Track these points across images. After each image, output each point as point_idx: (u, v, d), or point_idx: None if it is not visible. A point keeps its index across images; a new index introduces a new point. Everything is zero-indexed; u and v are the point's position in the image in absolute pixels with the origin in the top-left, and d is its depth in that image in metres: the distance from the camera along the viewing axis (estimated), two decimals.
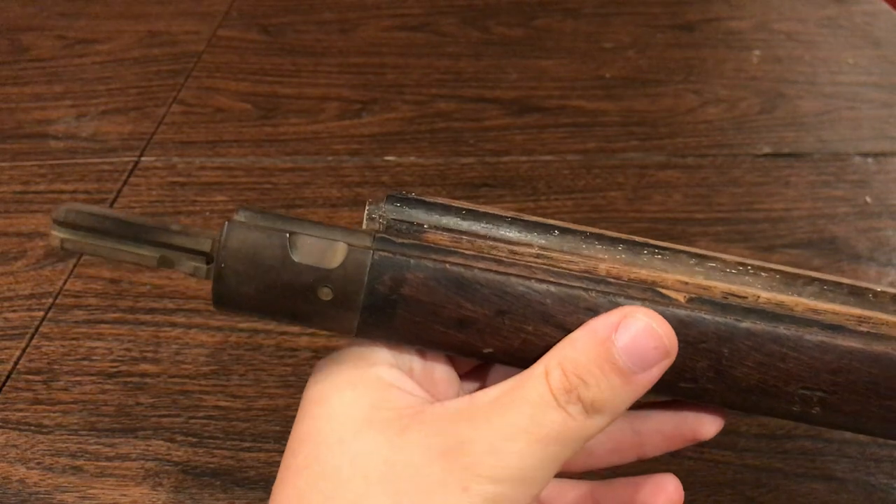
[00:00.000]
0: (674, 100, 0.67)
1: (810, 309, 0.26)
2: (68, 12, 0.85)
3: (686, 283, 0.26)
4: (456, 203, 0.27)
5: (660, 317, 0.23)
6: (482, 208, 0.27)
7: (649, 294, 0.25)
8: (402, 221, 0.26)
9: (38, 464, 0.41)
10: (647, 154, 0.61)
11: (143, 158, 0.63)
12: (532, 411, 0.23)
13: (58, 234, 0.25)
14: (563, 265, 0.26)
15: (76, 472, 0.40)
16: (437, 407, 0.24)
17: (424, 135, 0.64)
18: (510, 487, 0.23)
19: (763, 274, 0.27)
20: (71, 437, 0.42)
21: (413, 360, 0.26)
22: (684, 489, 0.39)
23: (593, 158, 0.60)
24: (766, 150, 0.61)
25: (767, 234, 0.53)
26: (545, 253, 0.26)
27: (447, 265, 0.25)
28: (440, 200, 0.27)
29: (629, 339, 0.23)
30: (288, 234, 0.24)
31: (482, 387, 0.28)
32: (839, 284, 0.27)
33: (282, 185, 0.59)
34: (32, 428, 0.42)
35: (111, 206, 0.58)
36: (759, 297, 0.26)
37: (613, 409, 0.23)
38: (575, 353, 0.23)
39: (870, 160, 0.59)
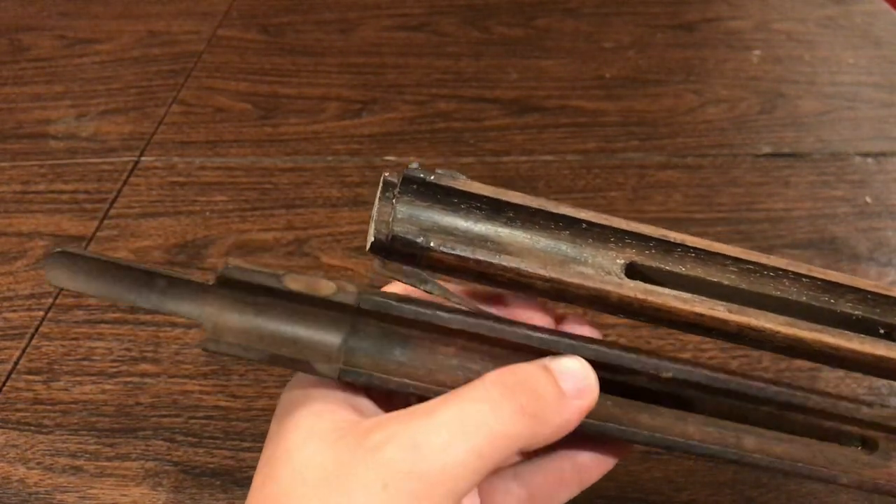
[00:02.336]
0: (674, 100, 0.67)
1: (830, 346, 0.26)
2: (68, 12, 0.85)
3: (701, 315, 0.26)
4: (476, 189, 0.26)
5: (587, 364, 0.25)
6: (505, 196, 0.26)
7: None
8: (406, 236, 0.25)
9: (38, 464, 0.41)
10: (647, 154, 0.61)
11: (143, 158, 0.63)
12: (463, 408, 0.23)
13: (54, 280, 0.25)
14: (575, 290, 0.26)
15: (76, 472, 0.40)
16: (377, 416, 0.24)
17: (424, 135, 0.64)
18: (431, 484, 0.22)
19: (804, 279, 0.26)
20: (71, 437, 0.42)
21: None
22: (684, 489, 0.39)
23: (593, 158, 0.60)
24: (766, 150, 0.61)
25: (767, 234, 0.53)
26: (556, 276, 0.25)
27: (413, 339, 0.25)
28: (459, 186, 0.26)
29: (564, 366, 0.25)
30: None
31: None
32: (883, 296, 0.27)
33: (282, 185, 0.59)
34: (32, 428, 0.42)
35: (111, 205, 0.58)
36: (777, 332, 0.26)
37: (545, 421, 0.24)
38: (516, 368, 0.24)
39: (870, 160, 0.59)
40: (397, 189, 0.25)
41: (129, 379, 0.45)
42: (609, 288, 0.25)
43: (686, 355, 0.44)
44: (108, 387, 0.44)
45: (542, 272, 0.25)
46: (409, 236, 0.25)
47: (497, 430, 0.23)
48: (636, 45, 0.75)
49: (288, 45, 0.77)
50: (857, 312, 0.26)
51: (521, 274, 0.25)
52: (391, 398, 0.27)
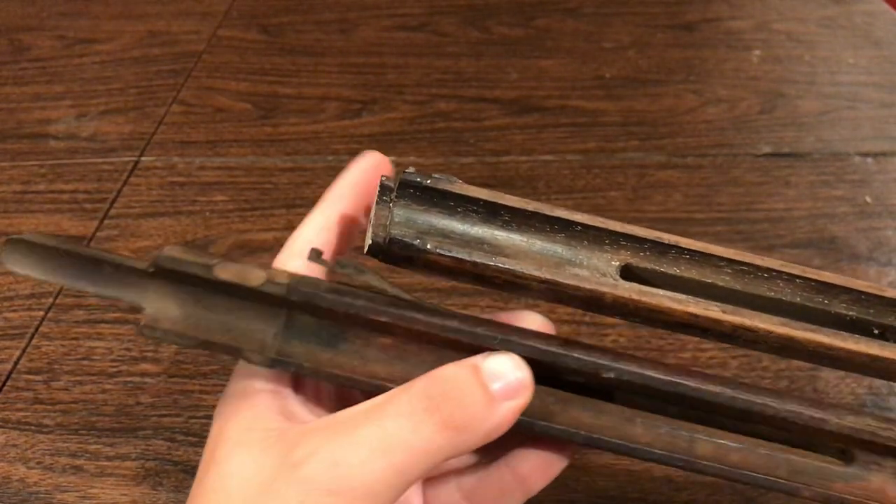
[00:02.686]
0: (674, 100, 0.67)
1: (824, 346, 0.25)
2: (68, 12, 0.85)
3: (696, 316, 0.25)
4: (472, 192, 0.26)
5: (522, 360, 0.24)
6: (501, 199, 0.26)
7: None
8: (404, 239, 0.25)
9: (38, 464, 0.41)
10: (647, 154, 0.61)
11: (143, 158, 0.63)
12: (383, 424, 0.23)
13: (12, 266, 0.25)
14: (570, 291, 0.25)
15: (76, 472, 0.40)
16: (302, 426, 0.24)
17: (424, 135, 0.64)
18: (349, 500, 0.22)
19: (798, 280, 0.26)
20: (71, 436, 0.42)
21: (302, 381, 0.27)
22: (684, 489, 0.39)
23: (593, 158, 0.60)
24: (766, 150, 0.61)
25: (767, 233, 0.53)
26: (551, 277, 0.25)
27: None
28: (455, 190, 0.26)
29: (496, 366, 0.24)
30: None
31: None
32: (877, 297, 0.26)
33: (282, 185, 0.59)
34: (32, 428, 0.42)
35: (111, 205, 0.58)
36: (771, 332, 0.25)
37: (471, 430, 0.23)
38: (444, 372, 0.24)
39: (870, 160, 0.59)
40: (394, 193, 0.26)
41: (129, 379, 0.45)
42: (604, 289, 0.25)
43: (686, 355, 0.44)
44: (108, 387, 0.44)
45: (537, 274, 0.25)
46: (407, 239, 0.25)
47: (417, 446, 0.23)
48: (636, 45, 0.75)
49: (288, 45, 0.77)
50: (851, 313, 0.26)
51: (517, 276, 0.25)
52: (320, 394, 0.27)
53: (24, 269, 0.25)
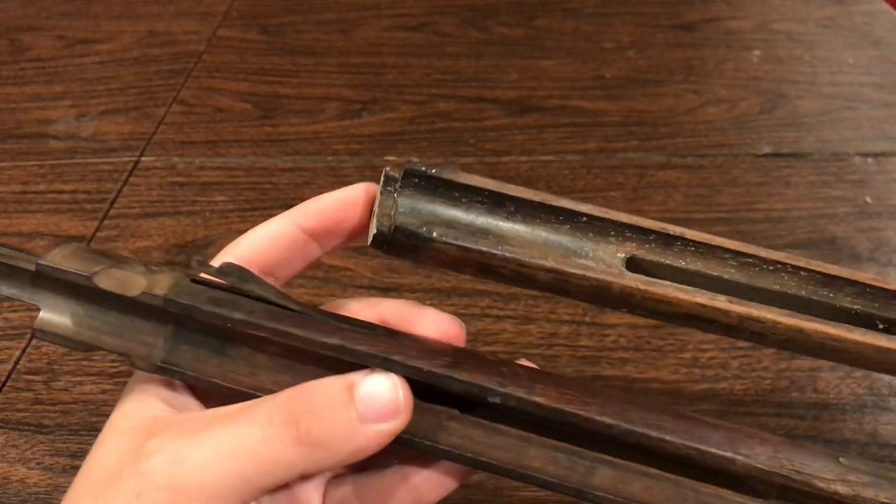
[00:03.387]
0: (674, 100, 0.67)
1: (831, 337, 0.25)
2: (68, 12, 0.85)
3: (703, 306, 0.25)
4: (477, 182, 0.26)
5: (405, 382, 0.24)
6: (506, 189, 0.26)
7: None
8: (409, 228, 0.25)
9: (38, 464, 0.41)
10: (647, 154, 0.61)
11: (143, 158, 0.63)
12: (236, 428, 0.22)
13: None
14: (576, 281, 0.25)
15: (76, 473, 0.40)
16: (173, 417, 0.24)
17: (424, 135, 0.64)
18: (187, 498, 0.22)
19: (803, 273, 0.26)
20: (71, 437, 0.42)
21: None
22: None
23: (593, 158, 0.60)
24: (766, 150, 0.61)
25: (767, 234, 0.53)
26: (558, 267, 0.25)
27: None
28: (460, 180, 0.25)
29: (371, 386, 0.23)
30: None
31: None
32: (882, 289, 0.26)
33: (282, 185, 0.59)
34: (32, 428, 0.42)
35: (111, 205, 0.58)
36: (778, 323, 0.25)
37: (331, 448, 0.23)
38: (316, 385, 0.23)
39: (870, 160, 0.59)
40: (398, 183, 0.25)
41: (128, 379, 0.45)
42: (611, 279, 0.25)
43: (686, 356, 0.44)
44: (108, 387, 0.44)
45: (544, 263, 0.25)
46: (412, 228, 0.25)
47: (266, 456, 0.22)
48: (636, 45, 0.75)
49: (288, 45, 0.77)
50: (855, 306, 0.26)
51: (523, 265, 0.25)
52: (211, 395, 0.27)
53: None
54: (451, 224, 0.25)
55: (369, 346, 0.24)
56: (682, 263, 0.26)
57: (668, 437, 0.24)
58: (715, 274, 0.26)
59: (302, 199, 0.62)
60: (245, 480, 0.22)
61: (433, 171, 0.25)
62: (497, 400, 0.24)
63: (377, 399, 0.23)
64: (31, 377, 0.45)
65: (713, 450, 0.24)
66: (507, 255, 0.25)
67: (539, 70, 0.72)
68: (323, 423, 0.22)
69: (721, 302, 0.25)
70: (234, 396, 0.25)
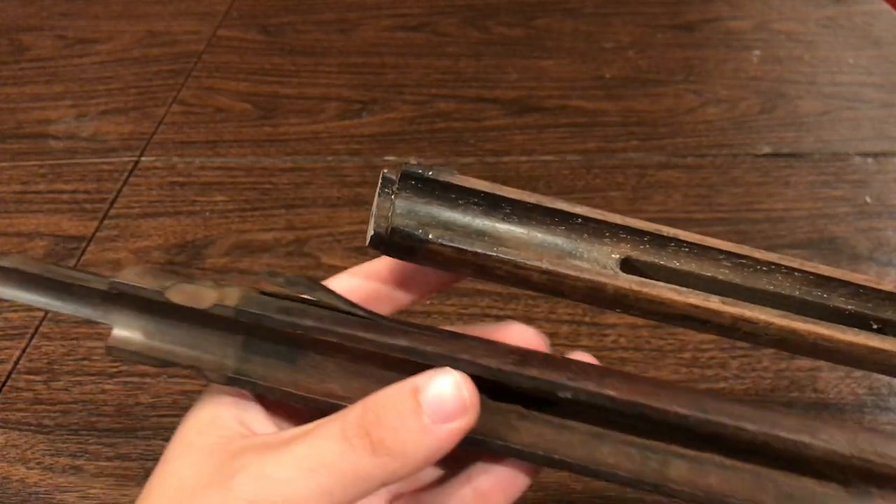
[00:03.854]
0: (674, 100, 0.67)
1: (824, 338, 0.25)
2: (68, 12, 0.85)
3: (696, 307, 0.25)
4: (473, 184, 0.26)
5: (468, 379, 0.24)
6: (501, 191, 0.26)
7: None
8: (406, 230, 0.25)
9: (38, 464, 0.41)
10: (647, 154, 0.61)
11: (143, 158, 0.63)
12: (315, 444, 0.23)
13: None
14: (571, 282, 0.25)
15: (76, 472, 0.40)
16: (247, 438, 0.24)
17: (424, 135, 0.64)
18: None
19: (797, 274, 0.26)
20: (71, 437, 0.42)
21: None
22: None
23: (593, 158, 0.60)
24: (766, 150, 0.61)
25: (767, 234, 0.53)
26: (552, 268, 0.25)
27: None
28: (457, 182, 0.26)
29: (435, 388, 0.23)
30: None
31: None
32: (876, 290, 0.26)
33: (282, 185, 0.59)
34: (32, 428, 0.42)
35: (111, 205, 0.58)
36: (771, 323, 0.25)
37: (405, 454, 0.23)
38: (382, 395, 0.24)
39: (870, 160, 0.59)
40: (396, 185, 0.26)
41: (128, 379, 0.45)
42: (605, 280, 0.25)
43: (686, 356, 0.44)
44: (108, 387, 0.44)
45: (538, 264, 0.25)
46: (408, 229, 0.25)
47: (345, 470, 0.23)
48: (636, 45, 0.75)
49: (288, 45, 0.77)
50: (849, 307, 0.26)
51: (518, 266, 0.25)
52: (283, 407, 0.27)
53: (5, 293, 0.26)
54: (447, 226, 0.26)
55: (438, 347, 0.25)
56: (676, 264, 0.26)
57: (744, 425, 0.24)
58: (709, 275, 0.26)
59: (302, 199, 0.63)
60: (328, 495, 0.23)
61: (430, 173, 0.26)
62: (568, 395, 0.24)
63: (443, 400, 0.23)
64: (31, 377, 0.45)
65: (791, 436, 0.23)
66: (503, 256, 0.25)
67: (539, 70, 0.72)
68: (394, 432, 0.23)
69: (714, 303, 0.25)
70: (304, 404, 0.25)
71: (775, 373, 0.44)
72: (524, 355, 0.25)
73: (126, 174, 0.61)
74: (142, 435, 0.42)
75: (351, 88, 0.70)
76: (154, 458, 0.40)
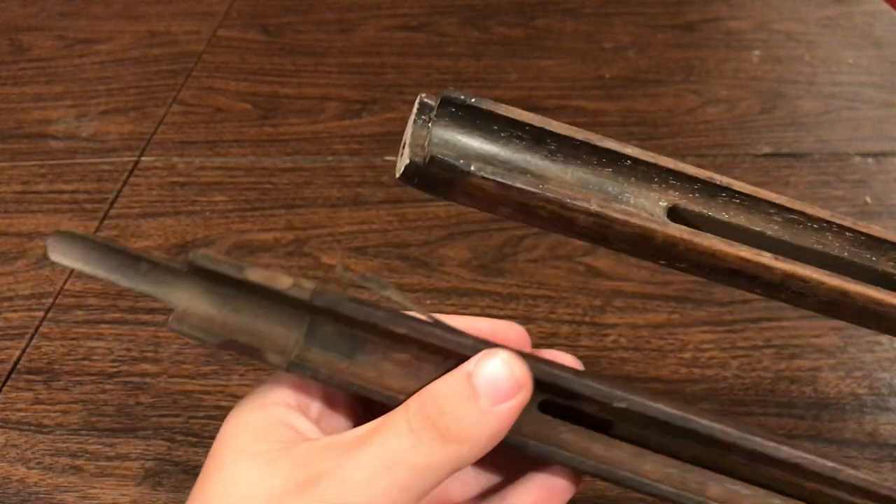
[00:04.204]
0: (674, 100, 0.67)
1: (875, 302, 0.24)
2: (68, 12, 0.85)
3: (747, 261, 0.24)
4: (519, 116, 0.24)
5: (517, 355, 0.24)
6: (549, 125, 0.24)
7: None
8: (446, 159, 0.23)
9: (38, 464, 0.41)
10: None
11: (143, 158, 0.63)
12: (384, 440, 0.23)
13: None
14: (619, 227, 0.24)
15: (76, 472, 0.40)
16: (310, 443, 0.25)
17: None
18: None
19: (848, 234, 0.25)
20: (71, 437, 0.42)
21: (313, 404, 0.27)
22: None
23: None
24: (766, 150, 0.61)
25: None
26: (601, 210, 0.24)
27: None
28: (501, 112, 0.24)
29: (486, 371, 0.24)
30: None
31: None
32: None
33: (282, 185, 0.59)
34: (32, 428, 0.42)
35: (111, 205, 0.58)
36: (822, 283, 0.24)
37: (471, 439, 0.24)
38: (438, 386, 0.24)
39: (870, 160, 0.59)
40: (434, 112, 0.24)
41: (129, 379, 0.45)
42: (655, 227, 0.24)
43: (686, 355, 0.44)
44: (108, 387, 0.44)
45: (586, 206, 0.24)
46: (449, 159, 0.23)
47: (419, 462, 0.23)
48: (636, 45, 0.75)
49: (288, 45, 0.77)
50: None
51: (565, 206, 0.24)
52: (330, 413, 0.27)
53: (68, 260, 0.25)
54: (486, 159, 0.24)
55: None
56: (724, 216, 0.25)
57: (783, 447, 0.25)
58: (758, 229, 0.25)
59: (302, 199, 0.63)
60: (407, 489, 0.23)
61: (472, 100, 0.24)
62: (623, 405, 0.25)
63: (497, 380, 0.24)
64: (31, 377, 0.45)
65: (823, 460, 0.25)
66: (549, 195, 0.23)
67: (539, 70, 0.72)
68: (458, 420, 0.23)
69: (766, 258, 0.24)
70: (364, 394, 0.25)
71: (775, 373, 0.44)
72: (578, 371, 0.26)
73: (126, 174, 0.61)
74: (142, 435, 0.42)
75: (351, 88, 0.70)
76: (154, 458, 0.40)
